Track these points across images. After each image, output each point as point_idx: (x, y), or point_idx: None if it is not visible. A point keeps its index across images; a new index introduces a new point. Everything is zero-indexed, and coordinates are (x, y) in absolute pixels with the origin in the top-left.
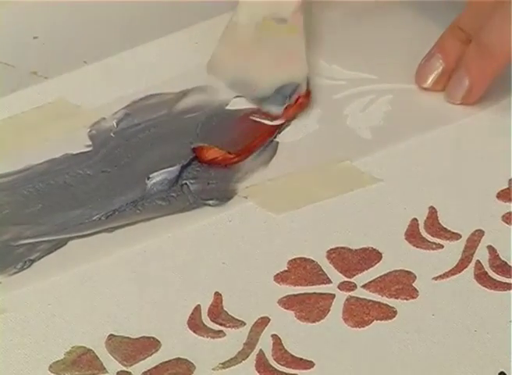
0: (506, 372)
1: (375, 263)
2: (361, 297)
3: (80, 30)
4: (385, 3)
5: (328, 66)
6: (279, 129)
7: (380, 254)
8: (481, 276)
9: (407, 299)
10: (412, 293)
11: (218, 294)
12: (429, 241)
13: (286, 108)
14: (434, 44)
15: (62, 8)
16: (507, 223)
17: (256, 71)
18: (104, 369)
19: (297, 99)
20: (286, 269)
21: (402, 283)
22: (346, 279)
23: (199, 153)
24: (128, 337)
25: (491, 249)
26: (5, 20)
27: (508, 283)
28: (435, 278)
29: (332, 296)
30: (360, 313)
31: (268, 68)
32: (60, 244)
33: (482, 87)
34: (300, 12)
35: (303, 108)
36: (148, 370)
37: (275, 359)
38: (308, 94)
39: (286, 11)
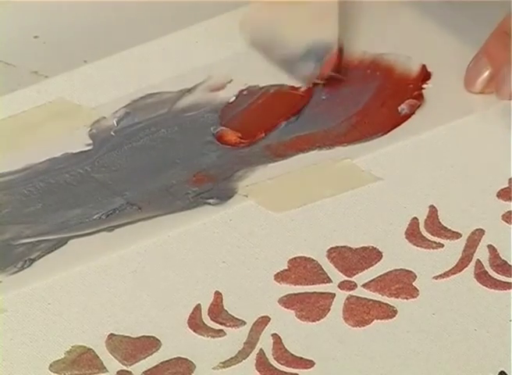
0: (506, 371)
1: (376, 262)
2: (362, 296)
3: (80, 30)
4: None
5: None
6: (310, 95)
7: (380, 253)
8: (482, 276)
9: (407, 298)
10: (412, 292)
11: (218, 294)
12: (429, 240)
13: (319, 68)
14: (480, 48)
15: (63, 7)
16: (508, 222)
17: (286, 29)
18: (105, 368)
19: (329, 59)
20: (287, 268)
21: (402, 283)
22: (347, 278)
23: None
24: (128, 337)
25: (491, 248)
26: (5, 19)
27: (508, 283)
28: (436, 277)
29: (333, 295)
30: (360, 313)
31: (300, 26)
32: (60, 243)
33: None
34: None
35: (335, 70)
36: (148, 369)
37: (275, 359)
38: (340, 55)
39: None
